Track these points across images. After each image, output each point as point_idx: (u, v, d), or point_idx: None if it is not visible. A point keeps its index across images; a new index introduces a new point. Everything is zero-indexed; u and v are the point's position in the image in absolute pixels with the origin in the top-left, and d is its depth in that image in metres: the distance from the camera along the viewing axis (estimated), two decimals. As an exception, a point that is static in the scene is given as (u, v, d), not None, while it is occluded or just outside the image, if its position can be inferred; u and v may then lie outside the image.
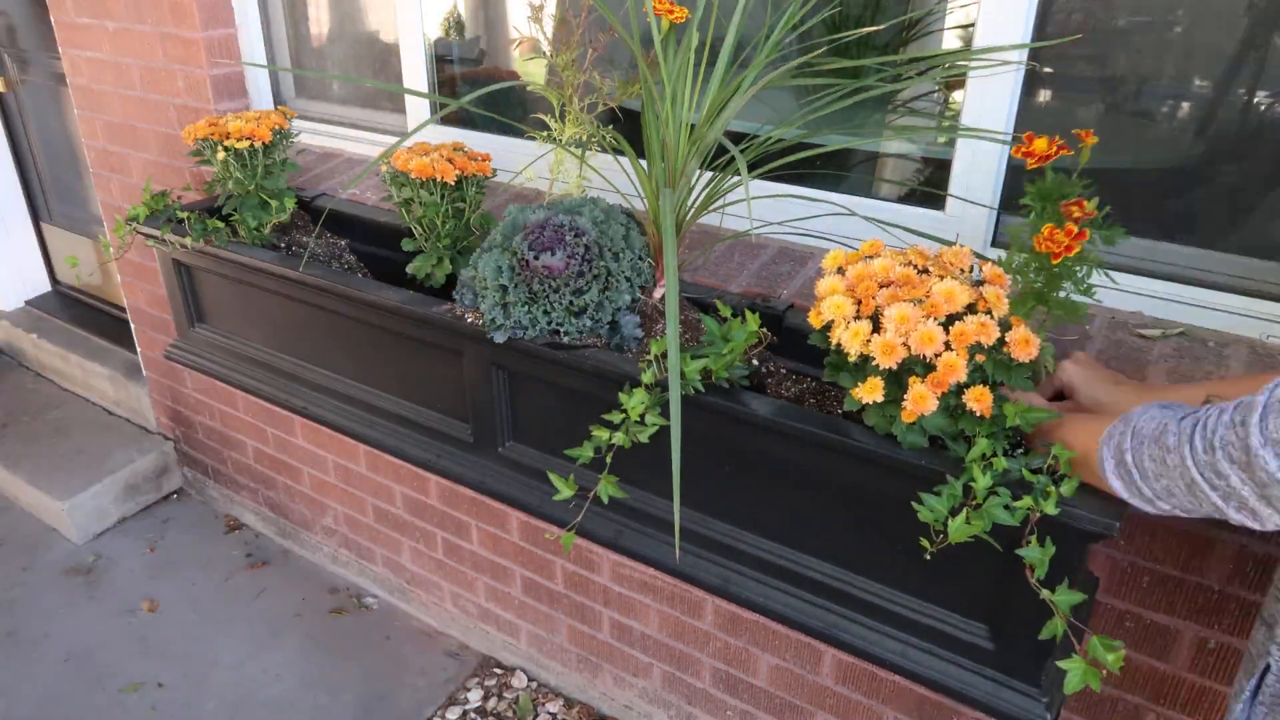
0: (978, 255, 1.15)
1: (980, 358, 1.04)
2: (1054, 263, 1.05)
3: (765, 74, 1.26)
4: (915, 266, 1.11)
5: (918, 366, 1.04)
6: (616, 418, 1.22)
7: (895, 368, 1.03)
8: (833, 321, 1.08)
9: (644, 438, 1.20)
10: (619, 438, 1.21)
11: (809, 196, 1.62)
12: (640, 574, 1.98)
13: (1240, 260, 1.34)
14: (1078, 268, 1.09)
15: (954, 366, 1.00)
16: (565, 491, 1.25)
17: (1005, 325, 1.04)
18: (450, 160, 1.58)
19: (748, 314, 1.22)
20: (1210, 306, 1.35)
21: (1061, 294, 1.12)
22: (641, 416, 1.20)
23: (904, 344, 1.02)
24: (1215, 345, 1.33)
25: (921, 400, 1.01)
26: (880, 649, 1.23)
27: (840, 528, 1.22)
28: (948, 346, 1.01)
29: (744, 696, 1.97)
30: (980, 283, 1.08)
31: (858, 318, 1.07)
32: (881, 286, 1.09)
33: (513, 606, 2.32)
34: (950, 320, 1.03)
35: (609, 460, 1.23)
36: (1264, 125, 1.27)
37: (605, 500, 1.25)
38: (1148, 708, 1.44)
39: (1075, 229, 1.04)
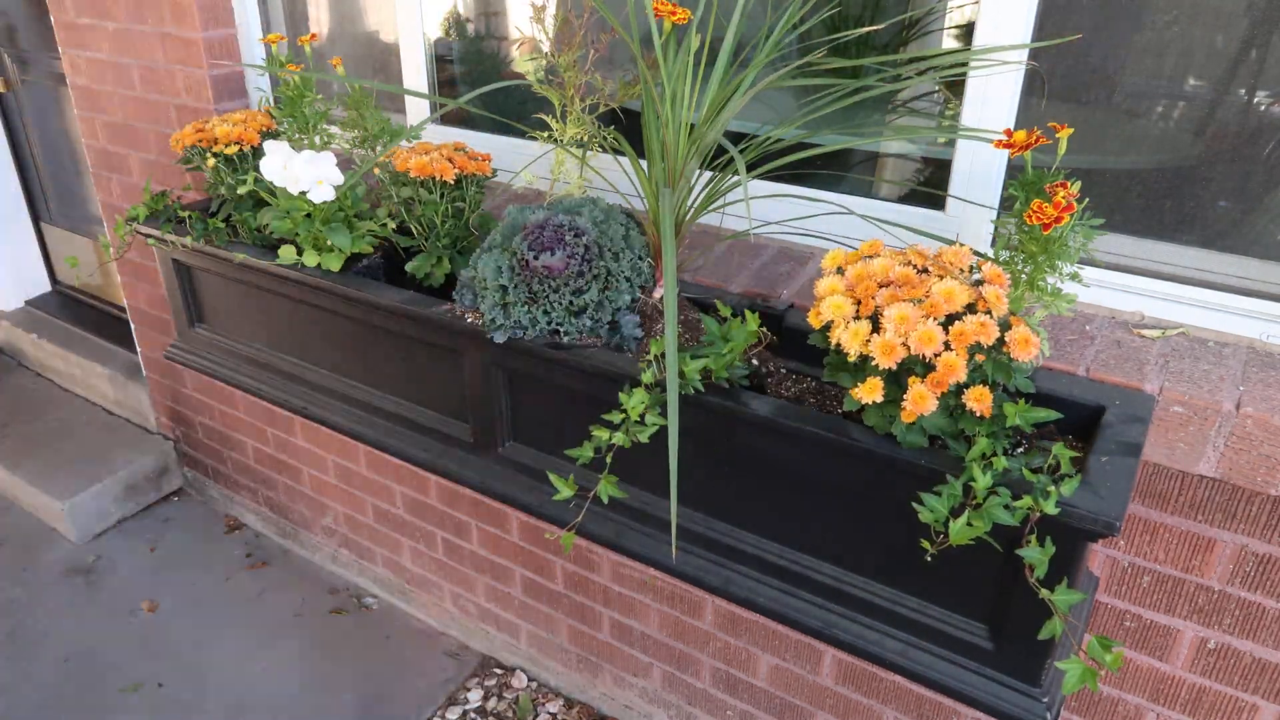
0: (977, 254, 1.15)
1: (980, 358, 1.04)
2: (1045, 233, 1.06)
3: (765, 74, 1.26)
4: (915, 266, 1.11)
5: (917, 366, 1.04)
6: (616, 418, 1.22)
7: (895, 368, 1.03)
8: (832, 322, 1.08)
9: (644, 438, 1.20)
10: (619, 438, 1.21)
11: (809, 197, 1.62)
12: (640, 574, 1.98)
13: (1240, 260, 1.34)
14: (1068, 243, 1.10)
15: (954, 366, 1.00)
16: (565, 491, 1.25)
17: (1005, 325, 1.04)
18: (450, 160, 1.58)
19: (747, 314, 1.22)
20: (1210, 306, 1.35)
21: (1050, 280, 1.13)
22: (641, 416, 1.20)
23: (904, 344, 1.02)
24: (1215, 345, 1.33)
25: (921, 400, 1.01)
26: (880, 649, 1.23)
27: (840, 527, 1.22)
28: (947, 346, 1.01)
29: (744, 696, 1.97)
30: (980, 282, 1.08)
31: (857, 318, 1.07)
32: (881, 286, 1.09)
33: (513, 606, 2.32)
34: (950, 320, 1.03)
35: (609, 460, 1.23)
36: (1264, 125, 1.27)
37: (605, 500, 1.25)
38: (1148, 708, 1.45)
39: (1063, 203, 1.05)
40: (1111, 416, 1.16)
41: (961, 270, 1.10)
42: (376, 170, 1.61)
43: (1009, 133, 1.11)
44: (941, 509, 1.01)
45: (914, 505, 1.04)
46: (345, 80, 1.61)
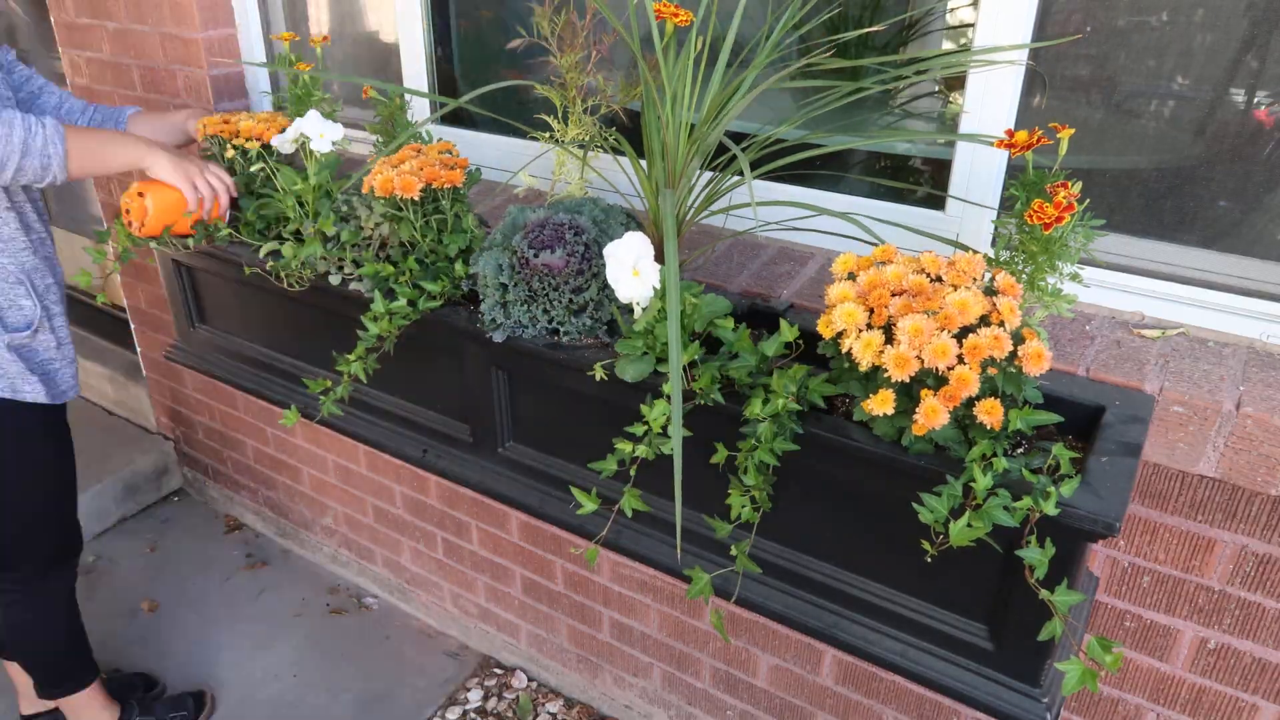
0: (991, 262, 1.14)
1: (992, 370, 1.03)
2: (1046, 232, 1.06)
3: (766, 75, 1.27)
4: (929, 275, 1.09)
5: (929, 379, 1.03)
6: (639, 429, 1.18)
7: (907, 380, 1.02)
8: (844, 330, 1.06)
9: (667, 449, 1.16)
10: (642, 450, 1.17)
11: (806, 202, 1.62)
12: (640, 574, 1.98)
13: (1240, 260, 1.34)
14: (1068, 243, 1.09)
15: (967, 381, 0.98)
16: (589, 505, 1.22)
17: (1018, 337, 1.03)
18: (420, 170, 1.44)
19: (784, 323, 1.19)
20: (1210, 306, 1.35)
21: (1050, 280, 1.13)
22: (664, 428, 1.16)
23: (918, 357, 1.00)
24: (1214, 345, 1.33)
25: (934, 415, 0.99)
26: (880, 649, 1.23)
27: (840, 527, 1.22)
28: (961, 360, 1.00)
29: (744, 696, 1.97)
30: (993, 291, 1.07)
31: (870, 327, 1.06)
32: (894, 295, 1.07)
33: (513, 606, 2.32)
34: (963, 332, 1.02)
35: (633, 473, 1.21)
36: (1263, 125, 1.27)
37: (629, 514, 1.23)
38: (1148, 708, 1.45)
39: (1064, 203, 1.05)
40: (1111, 417, 1.16)
41: (975, 279, 1.08)
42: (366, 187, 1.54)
43: (1010, 133, 1.11)
44: (941, 509, 1.01)
45: (915, 507, 1.04)
46: (353, 81, 1.61)
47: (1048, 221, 1.05)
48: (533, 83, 1.58)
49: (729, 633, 1.90)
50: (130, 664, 2.42)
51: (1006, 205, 1.46)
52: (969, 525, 0.99)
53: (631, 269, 1.19)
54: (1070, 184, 1.08)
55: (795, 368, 1.14)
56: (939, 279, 1.08)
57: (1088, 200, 1.40)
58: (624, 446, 1.19)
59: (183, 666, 2.41)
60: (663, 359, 1.22)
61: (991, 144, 1.41)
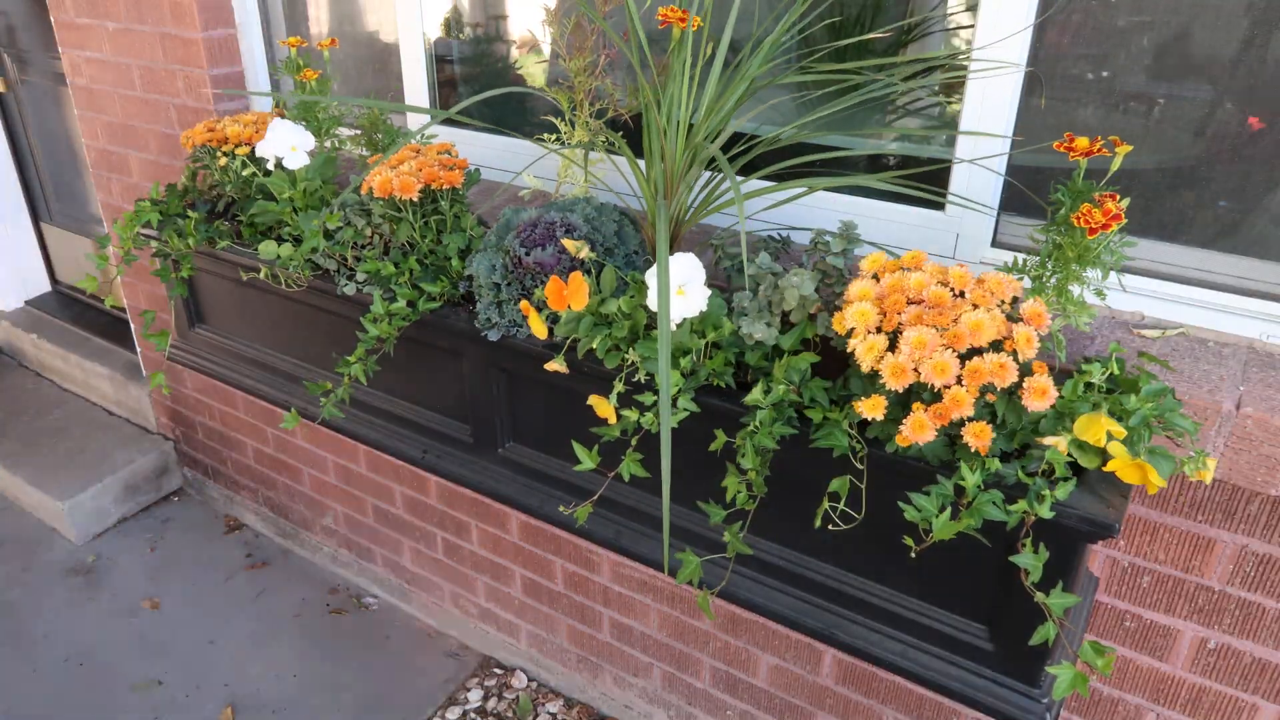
0: (1016, 270, 1.13)
1: (991, 398, 1.01)
2: (1090, 237, 1.05)
3: (763, 79, 1.26)
4: (953, 289, 1.06)
5: (925, 393, 1.02)
6: (649, 399, 1.21)
7: (901, 391, 1.01)
8: (854, 329, 1.05)
9: (674, 420, 1.18)
10: (648, 419, 1.20)
11: (805, 203, 1.62)
12: (640, 574, 1.98)
13: (1240, 260, 1.34)
14: (1101, 254, 1.09)
15: (960, 402, 0.97)
16: (588, 463, 1.23)
17: (1027, 370, 1.01)
18: (419, 171, 1.44)
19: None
20: (1210, 306, 1.35)
21: (1075, 290, 1.12)
22: (674, 400, 1.18)
23: (914, 369, 0.99)
24: (1214, 345, 1.33)
25: (920, 429, 0.98)
26: (880, 649, 1.23)
27: (840, 528, 1.22)
28: (960, 380, 0.99)
29: (744, 696, 1.97)
30: (1017, 318, 1.04)
31: (879, 330, 1.05)
32: (910, 303, 1.05)
33: (513, 606, 2.32)
34: (972, 353, 1.00)
35: (634, 441, 1.24)
36: (1262, 125, 1.27)
37: (627, 479, 1.25)
38: (1148, 708, 1.45)
39: (1112, 211, 1.04)
40: (1111, 417, 1.16)
41: (1002, 301, 1.05)
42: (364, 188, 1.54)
43: (1071, 137, 1.11)
44: (931, 508, 1.01)
45: (900, 505, 1.03)
46: (354, 102, 1.61)
47: (1094, 227, 1.04)
48: (538, 88, 1.58)
49: (730, 633, 1.90)
50: (130, 664, 2.42)
51: (1007, 207, 1.46)
52: (953, 518, 0.99)
53: (677, 289, 1.19)
54: (1118, 196, 1.08)
55: (800, 356, 1.14)
56: (962, 294, 1.06)
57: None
58: (631, 414, 1.20)
59: (182, 666, 2.41)
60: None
61: (983, 153, 1.41)
